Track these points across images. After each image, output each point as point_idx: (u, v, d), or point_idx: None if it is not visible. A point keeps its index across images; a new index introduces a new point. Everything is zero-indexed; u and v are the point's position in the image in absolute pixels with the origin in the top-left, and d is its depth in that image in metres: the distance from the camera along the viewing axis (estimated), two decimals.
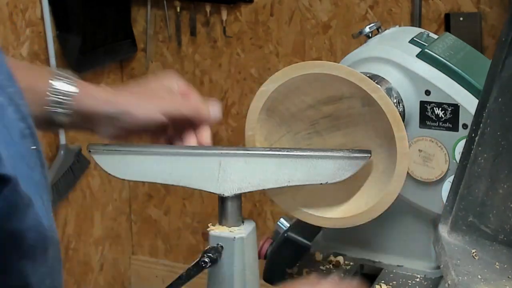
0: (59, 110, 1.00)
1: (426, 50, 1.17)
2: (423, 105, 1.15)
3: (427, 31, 1.28)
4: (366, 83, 0.97)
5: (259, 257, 1.30)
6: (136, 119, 1.02)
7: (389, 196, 1.00)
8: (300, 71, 0.99)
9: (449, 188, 1.06)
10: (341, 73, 0.98)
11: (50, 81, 1.00)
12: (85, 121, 1.03)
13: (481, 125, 1.01)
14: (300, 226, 1.34)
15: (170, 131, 1.08)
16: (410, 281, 1.22)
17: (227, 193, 1.01)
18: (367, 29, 1.26)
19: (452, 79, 1.14)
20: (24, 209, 0.63)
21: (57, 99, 1.00)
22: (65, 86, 1.00)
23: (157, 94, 1.06)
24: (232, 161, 0.99)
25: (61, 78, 1.01)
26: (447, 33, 1.30)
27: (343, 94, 1.02)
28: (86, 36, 2.63)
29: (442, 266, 1.01)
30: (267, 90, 1.00)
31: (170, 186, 1.04)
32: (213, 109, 1.07)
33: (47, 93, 0.99)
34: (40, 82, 1.00)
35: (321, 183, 0.98)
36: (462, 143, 1.11)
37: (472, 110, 1.06)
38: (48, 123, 1.01)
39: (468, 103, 1.12)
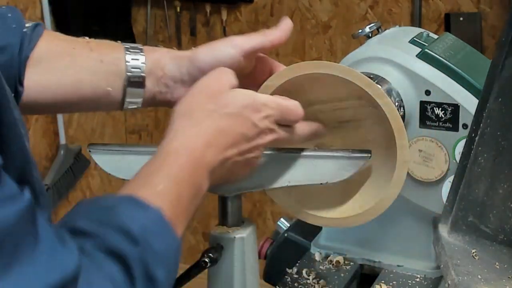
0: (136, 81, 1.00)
1: (426, 50, 1.17)
2: (423, 105, 1.15)
3: (427, 31, 1.28)
4: (372, 88, 0.97)
5: (259, 257, 1.30)
6: (204, 61, 0.99)
7: (385, 201, 1.00)
8: (306, 70, 0.99)
9: (449, 188, 1.06)
10: (349, 76, 0.97)
11: (125, 56, 1.00)
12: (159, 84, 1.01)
13: (481, 125, 1.01)
14: (300, 226, 1.34)
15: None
16: (410, 281, 1.22)
17: (227, 193, 1.01)
18: (367, 29, 1.26)
19: (452, 79, 1.14)
20: None
21: (135, 73, 0.99)
22: (137, 57, 1.00)
23: (222, 39, 1.03)
24: None
25: (132, 50, 1.01)
26: (447, 33, 1.30)
27: (347, 96, 1.02)
28: (86, 36, 2.63)
29: (442, 266, 1.01)
30: (271, 85, 1.00)
31: None
32: (280, 25, 1.01)
33: (126, 68, 0.99)
34: (119, 57, 1.00)
35: (321, 183, 0.98)
36: (462, 143, 1.11)
37: (472, 110, 1.06)
38: (123, 102, 1.01)
39: (468, 103, 1.12)
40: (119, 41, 1.04)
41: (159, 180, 0.82)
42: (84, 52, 1.01)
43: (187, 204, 0.84)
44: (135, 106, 1.02)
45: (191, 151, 0.86)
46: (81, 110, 1.08)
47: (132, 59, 1.00)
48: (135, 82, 1.00)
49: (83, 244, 0.72)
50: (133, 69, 0.99)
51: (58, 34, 1.05)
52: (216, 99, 0.91)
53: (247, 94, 0.94)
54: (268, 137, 0.94)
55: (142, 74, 0.99)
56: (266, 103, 0.93)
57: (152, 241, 0.74)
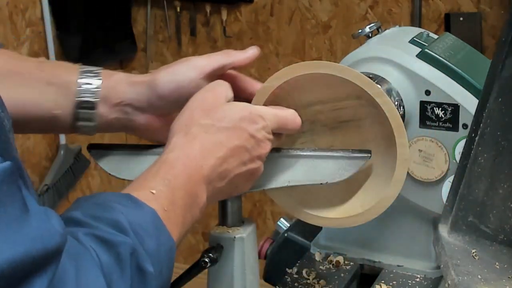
0: (89, 108, 0.97)
1: (426, 50, 1.17)
2: (423, 105, 1.15)
3: (427, 31, 1.28)
4: (371, 87, 0.97)
5: (259, 257, 1.30)
6: (163, 87, 0.97)
7: (386, 200, 1.00)
8: (306, 70, 0.99)
9: (449, 188, 1.06)
10: (348, 75, 0.97)
11: (78, 79, 0.97)
12: (113, 111, 0.99)
13: (481, 125, 1.01)
14: (300, 226, 1.34)
15: None
16: (410, 281, 1.22)
17: None
18: (367, 29, 1.26)
19: (452, 79, 1.14)
20: None
21: (85, 97, 0.97)
22: (91, 81, 0.98)
23: (181, 60, 1.00)
24: None
25: (87, 73, 0.98)
26: (447, 33, 1.30)
27: (346, 96, 1.02)
28: (86, 36, 2.63)
29: (442, 266, 1.01)
30: (270, 86, 1.00)
31: None
32: (247, 51, 1.01)
33: (77, 92, 0.97)
34: (71, 80, 0.98)
35: (321, 183, 0.98)
36: (462, 143, 1.11)
37: (472, 110, 1.06)
38: (75, 126, 0.98)
39: (468, 103, 1.12)
40: (80, 64, 1.02)
41: (153, 184, 0.82)
42: (34, 73, 0.98)
43: (182, 212, 0.84)
44: (89, 131, 1.00)
45: (187, 162, 0.86)
46: (32, 131, 1.05)
47: (85, 83, 0.98)
48: (86, 107, 0.97)
49: (76, 232, 0.72)
50: (84, 94, 0.97)
51: (12, 53, 1.04)
52: (212, 113, 0.91)
53: (243, 107, 0.94)
54: (268, 147, 0.94)
55: (93, 100, 0.97)
56: (262, 114, 0.94)
57: (144, 237, 0.75)
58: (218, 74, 1.00)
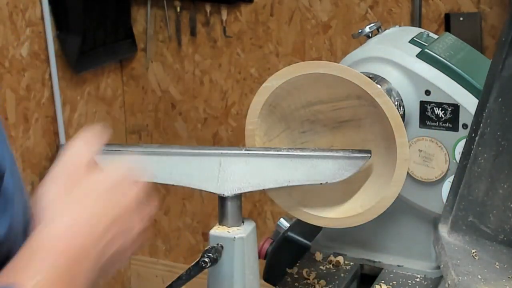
0: None
1: (426, 50, 1.17)
2: (423, 105, 1.15)
3: (427, 31, 1.28)
4: (371, 87, 0.97)
5: (259, 257, 1.30)
6: None
7: (386, 200, 1.00)
8: (305, 70, 0.99)
9: (449, 188, 1.06)
10: (347, 75, 0.97)
11: None
12: None
13: (481, 125, 1.01)
14: (300, 226, 1.34)
15: None
16: (410, 281, 1.22)
17: (227, 193, 1.01)
18: (367, 29, 1.26)
19: (452, 79, 1.14)
20: None
21: None
22: None
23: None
24: (232, 161, 0.99)
25: None
26: (447, 33, 1.31)
27: (345, 96, 1.02)
28: (86, 36, 2.63)
29: (442, 266, 1.01)
30: (271, 86, 1.01)
31: (170, 186, 1.04)
32: None
33: None
34: None
35: (321, 183, 0.98)
36: (462, 143, 1.11)
37: (472, 110, 1.06)
38: None
39: (468, 103, 1.12)
40: None
41: (22, 279, 0.69)
42: None
43: None
44: None
45: (61, 246, 0.73)
46: None
47: None
48: None
49: None
50: None
51: None
52: (79, 184, 0.79)
53: (107, 174, 0.81)
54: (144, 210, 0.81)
55: None
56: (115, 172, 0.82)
57: None
58: None
